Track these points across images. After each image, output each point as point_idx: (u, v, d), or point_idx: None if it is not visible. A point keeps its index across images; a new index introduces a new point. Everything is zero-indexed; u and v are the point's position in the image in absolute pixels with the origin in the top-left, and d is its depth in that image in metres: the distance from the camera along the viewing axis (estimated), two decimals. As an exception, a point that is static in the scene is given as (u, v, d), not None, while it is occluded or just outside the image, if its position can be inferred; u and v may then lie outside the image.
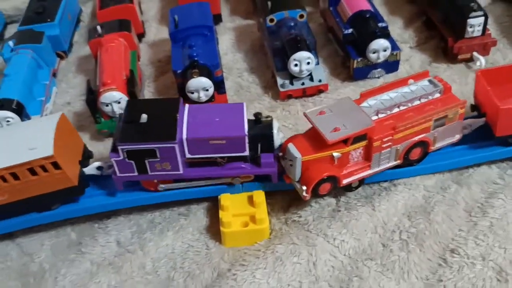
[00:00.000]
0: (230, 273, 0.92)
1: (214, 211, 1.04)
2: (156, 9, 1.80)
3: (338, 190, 1.03)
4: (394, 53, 1.31)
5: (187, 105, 1.02)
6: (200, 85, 1.23)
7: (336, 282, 0.90)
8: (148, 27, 1.69)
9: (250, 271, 0.92)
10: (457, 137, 1.04)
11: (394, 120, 0.97)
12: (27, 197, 1.00)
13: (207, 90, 1.24)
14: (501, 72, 1.08)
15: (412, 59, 1.39)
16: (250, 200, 1.01)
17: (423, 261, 0.91)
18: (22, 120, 1.25)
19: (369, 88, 1.07)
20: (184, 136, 0.95)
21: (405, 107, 0.99)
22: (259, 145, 0.98)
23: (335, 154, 0.94)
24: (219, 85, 1.29)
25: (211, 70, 1.26)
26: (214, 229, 1.01)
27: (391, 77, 1.33)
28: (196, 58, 1.25)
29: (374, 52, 1.28)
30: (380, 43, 1.26)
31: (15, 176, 0.96)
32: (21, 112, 1.26)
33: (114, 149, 0.96)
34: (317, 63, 1.30)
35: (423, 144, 1.00)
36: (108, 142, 1.25)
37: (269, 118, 1.01)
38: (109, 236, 1.05)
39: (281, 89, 1.29)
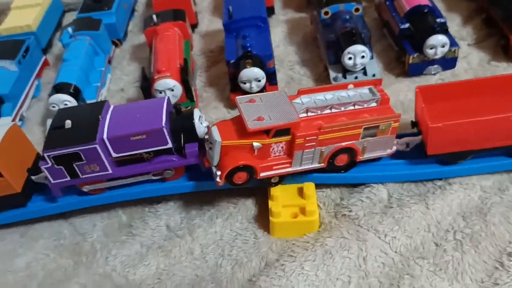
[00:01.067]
0: (278, 263, 0.92)
1: (263, 201, 1.04)
2: (209, 0, 1.81)
3: (389, 186, 1.02)
4: (452, 50, 1.27)
5: (112, 106, 1.04)
6: (252, 75, 1.23)
7: (386, 279, 0.88)
8: (201, 18, 1.71)
9: (299, 263, 0.91)
10: (389, 151, 1.00)
11: (322, 121, 0.95)
12: None
13: (259, 80, 1.24)
14: (443, 90, 1.04)
15: (470, 56, 1.35)
16: (300, 192, 1.00)
17: (478, 263, 0.88)
18: (79, 103, 1.29)
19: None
20: (105, 135, 0.96)
21: (337, 110, 0.97)
22: (182, 135, 0.98)
23: (255, 144, 0.92)
24: (271, 76, 1.28)
25: (264, 61, 1.26)
26: (263, 219, 1.01)
27: (448, 74, 1.29)
28: (249, 49, 1.25)
29: (431, 48, 1.24)
30: (439, 39, 1.23)
31: None
32: (78, 96, 1.30)
33: (42, 157, 0.97)
34: (372, 58, 1.28)
35: (350, 151, 0.98)
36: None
37: (188, 108, 1.00)
38: (159, 220, 1.06)
39: (334, 82, 1.27)
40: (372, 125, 0.95)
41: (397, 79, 1.31)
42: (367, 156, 0.99)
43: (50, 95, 1.28)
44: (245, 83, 1.24)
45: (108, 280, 0.97)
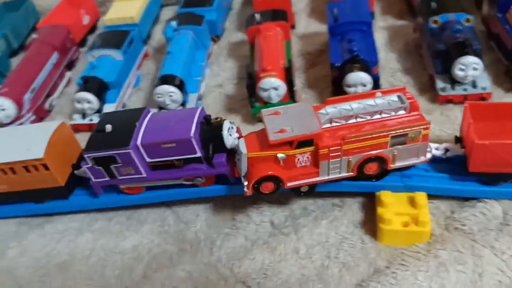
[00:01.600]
0: (389, 271, 0.91)
1: (370, 207, 1.03)
2: (305, 2, 1.82)
3: (504, 202, 0.99)
4: None
5: (150, 113, 1.09)
6: (358, 80, 1.22)
7: (503, 297, 0.86)
8: (298, 20, 1.72)
9: (412, 272, 0.90)
10: (423, 158, 0.98)
11: (347, 130, 0.95)
12: (23, 190, 1.12)
13: (365, 85, 1.23)
14: (493, 109, 1.01)
15: None
16: (411, 201, 0.98)
17: None
18: (184, 96, 1.32)
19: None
20: (139, 142, 1.01)
21: (363, 120, 0.96)
22: (211, 146, 1.01)
23: (280, 155, 0.94)
24: (376, 83, 1.27)
25: (370, 67, 1.25)
26: (369, 225, 1.00)
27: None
28: (357, 53, 1.25)
29: (548, 64, 1.20)
30: (557, 55, 1.19)
31: (12, 170, 1.09)
32: (183, 88, 1.33)
33: (84, 158, 1.05)
34: (483, 70, 1.24)
35: (379, 159, 0.97)
36: (259, 126, 1.29)
37: (218, 120, 1.03)
38: (263, 216, 1.07)
39: (441, 93, 1.25)
40: (399, 133, 0.94)
41: (506, 94, 1.27)
42: (399, 164, 0.99)
43: (156, 85, 1.32)
44: (350, 87, 1.24)
45: (213, 270, 0.99)
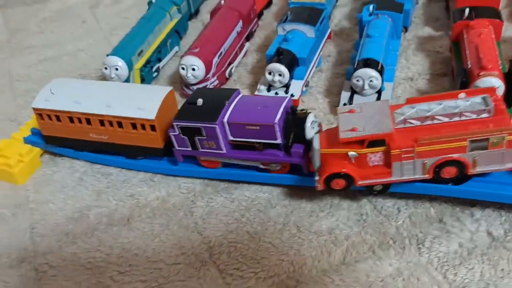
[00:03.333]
0: None
1: None
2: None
3: None
4: None
5: (241, 95, 1.13)
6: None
7: None
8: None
9: None
10: (509, 165, 0.91)
11: (422, 132, 0.93)
12: (122, 143, 1.19)
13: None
14: None
15: None
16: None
17: None
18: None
19: None
20: (225, 119, 1.05)
21: (440, 121, 0.93)
22: (292, 135, 1.03)
23: (351, 153, 0.95)
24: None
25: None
26: None
27: None
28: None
29: None
30: None
31: (119, 125, 1.16)
32: (382, 74, 1.26)
33: (172, 125, 1.10)
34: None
35: (458, 163, 0.91)
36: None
37: (304, 111, 1.06)
38: (477, 224, 0.98)
39: None
40: (478, 137, 0.89)
41: None
42: (480, 169, 0.93)
43: (356, 68, 1.26)
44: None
45: (424, 271, 0.92)
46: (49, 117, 1.22)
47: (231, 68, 1.52)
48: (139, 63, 1.48)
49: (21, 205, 1.19)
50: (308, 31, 1.42)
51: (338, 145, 0.96)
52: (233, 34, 1.53)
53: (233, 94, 1.11)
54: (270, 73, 1.33)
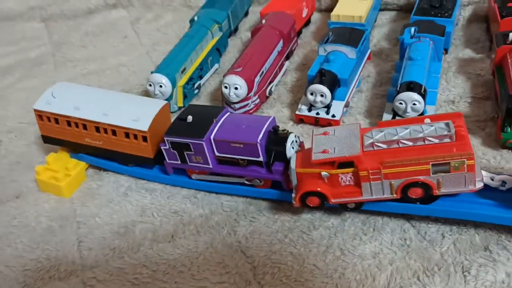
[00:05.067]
0: None
1: None
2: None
3: None
4: None
5: (228, 113, 1.20)
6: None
7: None
8: None
9: None
10: (472, 187, 0.97)
11: (388, 155, 0.98)
12: (115, 150, 1.26)
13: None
14: None
15: None
16: None
17: None
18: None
19: None
20: (212, 136, 1.12)
21: (405, 145, 0.98)
22: (273, 154, 1.09)
23: (323, 173, 1.01)
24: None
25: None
26: None
27: None
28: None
29: None
30: None
31: (114, 133, 1.23)
32: (425, 98, 1.26)
33: (163, 140, 1.18)
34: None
35: (423, 185, 0.98)
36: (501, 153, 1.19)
37: (285, 131, 1.12)
38: (523, 255, 0.98)
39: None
40: (439, 162, 0.94)
41: None
42: (445, 190, 0.98)
43: (399, 91, 1.27)
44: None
45: (470, 301, 0.92)
46: (49, 119, 1.30)
47: (271, 87, 1.54)
48: (182, 80, 1.51)
49: (68, 217, 1.23)
50: (349, 52, 1.43)
51: (312, 166, 1.02)
52: (274, 53, 1.55)
53: (221, 112, 1.19)
54: (312, 94, 1.35)
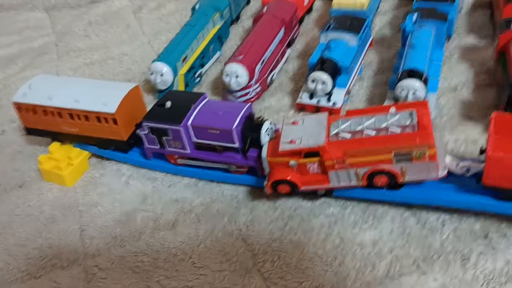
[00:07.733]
0: None
1: None
2: None
3: None
4: None
5: (206, 99, 1.20)
6: None
7: None
8: None
9: None
10: (434, 175, 0.98)
11: (351, 145, 1.00)
12: (91, 135, 1.28)
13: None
14: None
15: None
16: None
17: None
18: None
19: None
20: (189, 122, 1.13)
21: (368, 135, 0.99)
22: (248, 140, 1.11)
23: (291, 162, 1.04)
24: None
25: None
26: None
27: None
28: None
29: None
30: None
31: (86, 118, 1.24)
32: (426, 85, 1.26)
33: (141, 125, 1.19)
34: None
35: (387, 173, 0.99)
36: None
37: (260, 119, 1.14)
38: (524, 243, 0.98)
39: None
40: (401, 151, 0.96)
41: None
42: (409, 178, 1.00)
43: (400, 79, 1.26)
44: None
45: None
46: (27, 110, 1.31)
47: (273, 75, 1.53)
48: (183, 69, 1.51)
49: (70, 207, 1.24)
50: (351, 39, 1.42)
51: (282, 155, 1.05)
52: (276, 41, 1.54)
53: (200, 98, 1.20)
54: (313, 81, 1.35)
